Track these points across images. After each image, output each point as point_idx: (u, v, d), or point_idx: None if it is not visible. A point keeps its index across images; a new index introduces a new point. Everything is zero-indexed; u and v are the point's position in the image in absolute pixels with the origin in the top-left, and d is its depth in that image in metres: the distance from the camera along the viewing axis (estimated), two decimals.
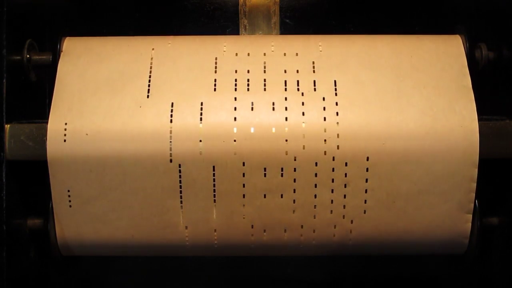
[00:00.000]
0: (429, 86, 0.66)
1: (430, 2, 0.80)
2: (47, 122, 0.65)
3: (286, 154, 0.64)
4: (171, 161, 0.64)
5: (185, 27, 0.81)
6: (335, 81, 0.66)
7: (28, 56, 0.69)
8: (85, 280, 0.83)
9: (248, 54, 0.68)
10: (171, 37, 0.70)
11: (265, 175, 0.65)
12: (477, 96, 0.66)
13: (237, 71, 0.67)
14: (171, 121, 0.64)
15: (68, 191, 0.65)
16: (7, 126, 0.66)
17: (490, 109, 0.67)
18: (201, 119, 0.64)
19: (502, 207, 0.69)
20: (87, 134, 0.64)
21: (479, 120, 0.65)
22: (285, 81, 0.66)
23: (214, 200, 0.65)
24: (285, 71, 0.67)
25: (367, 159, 0.64)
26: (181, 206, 0.66)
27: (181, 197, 0.65)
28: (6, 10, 0.66)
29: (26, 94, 0.70)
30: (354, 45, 0.69)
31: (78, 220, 0.67)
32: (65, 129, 0.65)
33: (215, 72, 0.67)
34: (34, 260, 0.71)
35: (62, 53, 0.69)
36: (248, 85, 0.66)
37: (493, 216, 0.69)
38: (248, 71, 0.67)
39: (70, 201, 0.66)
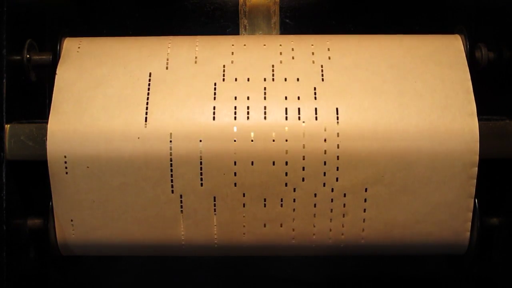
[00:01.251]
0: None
1: (430, 2, 0.80)
2: (47, 122, 0.65)
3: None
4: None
5: (185, 27, 0.81)
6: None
7: (28, 56, 0.69)
8: (85, 280, 0.83)
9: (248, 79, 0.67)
10: (172, 37, 0.71)
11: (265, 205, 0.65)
12: (477, 96, 0.66)
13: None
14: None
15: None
16: (7, 126, 0.66)
17: (490, 109, 0.67)
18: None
19: (502, 207, 0.69)
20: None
21: (479, 120, 0.65)
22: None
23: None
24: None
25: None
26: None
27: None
28: (6, 10, 0.66)
29: (26, 94, 0.70)
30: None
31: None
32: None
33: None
34: (34, 260, 0.71)
35: (62, 53, 0.69)
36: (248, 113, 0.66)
37: (493, 216, 0.69)
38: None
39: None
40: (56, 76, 0.67)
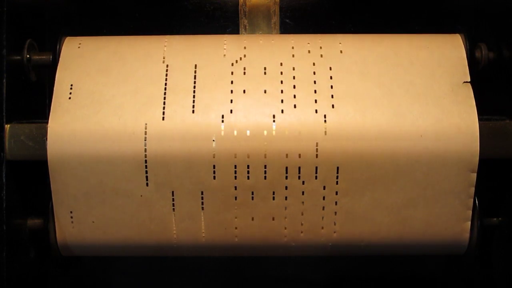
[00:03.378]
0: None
1: (430, 2, 0.80)
2: (47, 122, 0.65)
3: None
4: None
5: (185, 27, 0.81)
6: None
7: (28, 56, 0.69)
8: (85, 280, 0.83)
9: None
10: (176, 36, 0.71)
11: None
12: (477, 96, 0.66)
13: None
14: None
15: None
16: (7, 126, 0.66)
17: (490, 109, 0.67)
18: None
19: (502, 207, 0.69)
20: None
21: (479, 120, 0.65)
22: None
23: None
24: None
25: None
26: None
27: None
28: (6, 10, 0.66)
29: (26, 94, 0.70)
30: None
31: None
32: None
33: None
34: (34, 260, 0.71)
35: (62, 52, 0.69)
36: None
37: (493, 216, 0.69)
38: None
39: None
40: (56, 76, 0.67)
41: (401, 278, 0.84)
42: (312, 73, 0.67)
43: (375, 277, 0.84)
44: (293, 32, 0.76)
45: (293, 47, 0.68)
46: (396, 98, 0.65)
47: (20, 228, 0.68)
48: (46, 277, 0.74)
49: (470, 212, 0.66)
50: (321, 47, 0.68)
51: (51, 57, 0.70)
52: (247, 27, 0.77)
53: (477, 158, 0.64)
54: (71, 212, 0.66)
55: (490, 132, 0.66)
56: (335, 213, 0.66)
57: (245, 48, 0.68)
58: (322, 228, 0.67)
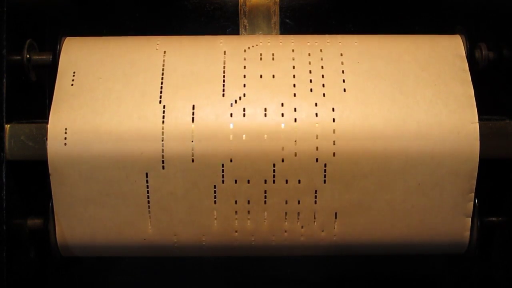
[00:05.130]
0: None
1: (430, 2, 0.80)
2: (47, 122, 0.65)
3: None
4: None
5: (185, 27, 0.81)
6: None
7: (28, 56, 0.69)
8: (85, 280, 0.83)
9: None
10: (177, 37, 0.71)
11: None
12: (477, 96, 0.66)
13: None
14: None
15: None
16: (7, 126, 0.66)
17: (490, 109, 0.67)
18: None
19: (502, 207, 0.69)
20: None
21: (479, 120, 0.65)
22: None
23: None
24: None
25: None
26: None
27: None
28: (6, 10, 0.66)
29: (26, 94, 0.70)
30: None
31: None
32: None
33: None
34: (34, 260, 0.71)
35: (62, 53, 0.69)
36: None
37: (493, 216, 0.69)
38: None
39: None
40: (57, 76, 0.67)
41: (401, 278, 0.84)
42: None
43: (375, 277, 0.84)
44: (293, 32, 0.76)
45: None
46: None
47: (20, 228, 0.68)
48: (46, 277, 0.74)
49: (470, 212, 0.66)
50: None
51: (51, 57, 0.70)
52: (247, 27, 0.77)
53: (477, 158, 0.64)
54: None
55: (490, 132, 0.66)
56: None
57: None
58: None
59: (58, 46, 0.69)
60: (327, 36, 0.70)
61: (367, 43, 0.69)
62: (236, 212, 0.66)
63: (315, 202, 0.66)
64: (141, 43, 0.70)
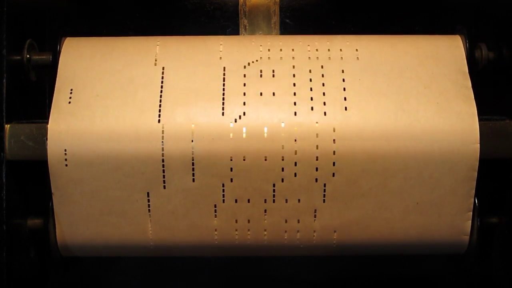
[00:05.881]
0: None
1: (430, 2, 0.80)
2: (47, 122, 0.65)
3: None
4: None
5: (185, 27, 0.81)
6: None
7: (28, 56, 0.69)
8: (85, 280, 0.83)
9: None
10: (178, 37, 0.70)
11: None
12: (477, 96, 0.66)
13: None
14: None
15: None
16: (7, 126, 0.66)
17: (490, 109, 0.67)
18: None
19: (502, 207, 0.69)
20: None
21: (479, 120, 0.65)
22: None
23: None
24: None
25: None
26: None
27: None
28: (6, 10, 0.66)
29: (26, 94, 0.70)
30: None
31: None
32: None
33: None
34: (34, 260, 0.71)
35: (62, 53, 0.69)
36: None
37: (493, 216, 0.69)
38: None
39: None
40: (57, 76, 0.67)
41: (401, 278, 0.84)
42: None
43: (375, 277, 0.84)
44: (293, 32, 0.76)
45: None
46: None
47: (20, 228, 0.68)
48: (46, 277, 0.74)
49: (470, 212, 0.66)
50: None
51: (51, 57, 0.70)
52: (247, 27, 0.77)
53: (477, 158, 0.64)
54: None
55: (490, 132, 0.66)
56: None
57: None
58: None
59: (58, 46, 0.69)
60: (327, 42, 0.69)
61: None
62: (236, 230, 0.66)
63: (314, 220, 0.66)
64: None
